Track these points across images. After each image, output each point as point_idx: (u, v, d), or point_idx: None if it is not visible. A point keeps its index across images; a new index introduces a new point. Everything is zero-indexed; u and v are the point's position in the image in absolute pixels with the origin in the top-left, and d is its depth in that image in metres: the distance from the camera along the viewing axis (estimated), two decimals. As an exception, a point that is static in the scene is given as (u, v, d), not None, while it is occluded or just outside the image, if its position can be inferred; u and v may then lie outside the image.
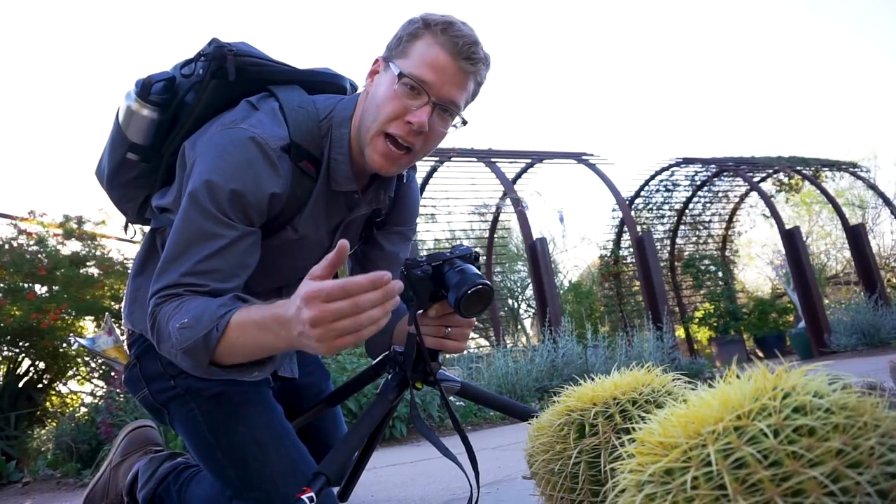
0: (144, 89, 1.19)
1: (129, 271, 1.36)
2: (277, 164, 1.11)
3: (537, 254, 6.72)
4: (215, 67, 1.16)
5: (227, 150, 1.09)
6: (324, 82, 1.32)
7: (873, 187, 10.34)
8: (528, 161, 8.04)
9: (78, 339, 4.69)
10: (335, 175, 1.21)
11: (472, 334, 1.65)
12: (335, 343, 0.87)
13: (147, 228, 1.39)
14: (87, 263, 5.45)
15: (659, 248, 9.92)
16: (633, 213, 9.31)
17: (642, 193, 9.91)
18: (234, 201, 1.07)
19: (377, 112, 1.14)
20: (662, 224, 10.39)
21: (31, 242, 5.29)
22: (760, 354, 9.34)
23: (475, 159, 7.50)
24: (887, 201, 10.12)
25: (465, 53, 1.12)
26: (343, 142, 1.20)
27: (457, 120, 1.19)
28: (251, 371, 1.06)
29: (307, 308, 0.86)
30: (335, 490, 1.30)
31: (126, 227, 1.47)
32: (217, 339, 0.98)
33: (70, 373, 5.73)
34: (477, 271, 1.10)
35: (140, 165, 1.27)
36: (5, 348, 5.23)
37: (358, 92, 1.31)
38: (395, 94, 1.12)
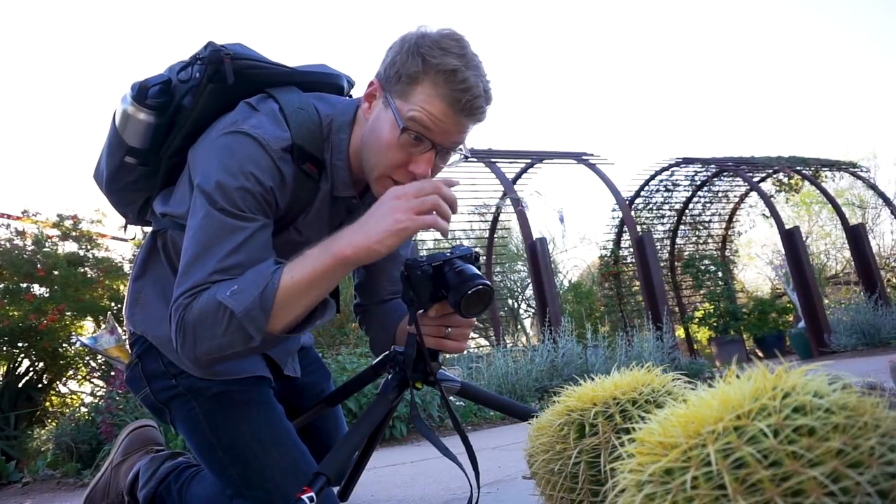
0: (141, 93, 1.18)
1: (130, 273, 1.36)
2: (280, 166, 1.11)
3: (537, 254, 6.72)
4: (212, 71, 1.15)
5: (232, 149, 1.09)
6: (321, 82, 1.31)
7: (873, 187, 10.34)
8: (528, 161, 8.04)
9: (80, 338, 4.69)
10: (335, 181, 1.20)
11: (472, 334, 1.65)
12: (416, 217, 0.99)
13: (147, 229, 1.39)
14: (85, 264, 5.45)
15: (659, 248, 9.92)
16: (633, 213, 9.30)
17: (642, 193, 9.91)
18: (245, 197, 1.07)
19: (380, 156, 1.12)
20: (662, 224, 10.39)
21: (30, 243, 5.29)
22: (760, 354, 9.34)
23: (475, 159, 7.50)
24: (887, 201, 10.12)
25: (469, 110, 1.09)
26: (342, 147, 1.19)
27: (459, 152, 1.18)
28: (311, 322, 1.07)
29: (395, 187, 1.04)
30: (335, 490, 1.30)
31: (125, 228, 1.47)
32: (273, 292, 0.98)
33: (70, 373, 5.73)
34: (477, 272, 1.10)
35: (139, 169, 1.26)
36: (5, 349, 5.23)
37: (354, 97, 1.30)
38: (399, 144, 1.10)
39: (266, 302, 0.98)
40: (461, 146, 1.16)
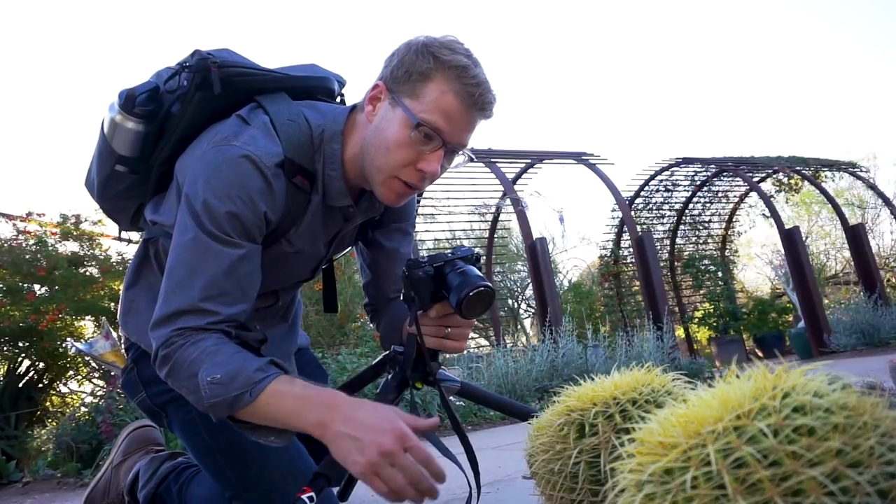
0: (128, 101, 1.16)
1: (123, 281, 1.35)
2: (272, 182, 1.09)
3: (537, 254, 6.72)
4: (199, 80, 1.13)
5: (221, 169, 1.06)
6: (312, 86, 1.29)
7: (873, 187, 10.33)
8: (528, 161, 8.04)
9: (76, 344, 4.68)
10: (329, 191, 1.19)
11: (471, 334, 1.65)
12: (371, 480, 0.89)
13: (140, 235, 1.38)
14: (87, 263, 5.44)
15: (659, 248, 9.91)
16: (632, 213, 9.30)
17: (642, 193, 9.90)
18: (232, 222, 1.05)
19: (388, 155, 1.11)
20: (662, 224, 10.39)
21: (31, 242, 5.29)
22: (760, 354, 9.34)
23: (475, 159, 7.50)
24: (887, 201, 10.12)
25: (481, 104, 1.10)
26: (335, 157, 1.17)
27: (464, 154, 1.18)
28: (267, 435, 1.04)
29: (393, 438, 0.89)
30: (335, 490, 1.30)
31: (119, 235, 1.46)
32: (247, 403, 0.97)
33: (70, 373, 5.72)
34: (478, 273, 1.10)
35: (130, 177, 1.24)
36: (5, 349, 5.23)
37: (346, 103, 1.29)
38: (410, 142, 1.09)
39: (235, 406, 0.98)
40: (466, 148, 1.17)
